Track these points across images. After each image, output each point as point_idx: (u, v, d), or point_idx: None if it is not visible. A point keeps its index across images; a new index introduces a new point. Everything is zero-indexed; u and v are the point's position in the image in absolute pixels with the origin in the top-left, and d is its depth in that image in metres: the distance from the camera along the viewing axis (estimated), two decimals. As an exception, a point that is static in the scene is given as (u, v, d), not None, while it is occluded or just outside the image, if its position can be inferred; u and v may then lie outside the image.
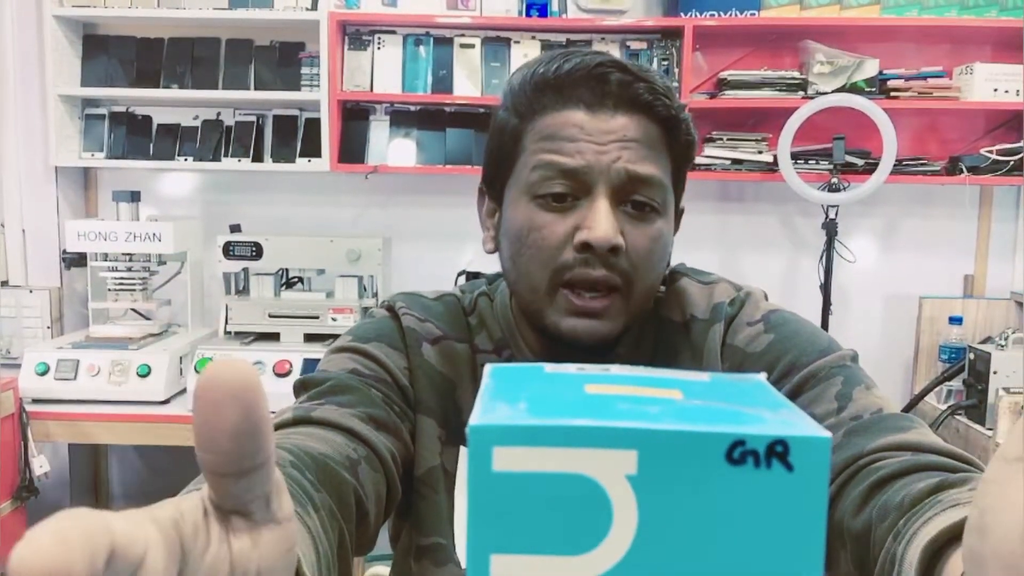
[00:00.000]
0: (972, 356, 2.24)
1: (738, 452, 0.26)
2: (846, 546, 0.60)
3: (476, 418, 0.27)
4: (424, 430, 0.78)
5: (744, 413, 0.28)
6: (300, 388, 0.75)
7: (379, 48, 2.54)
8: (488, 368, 0.33)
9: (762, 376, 0.34)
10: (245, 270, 2.44)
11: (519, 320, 0.81)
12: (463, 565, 0.76)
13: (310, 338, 2.33)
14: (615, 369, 0.33)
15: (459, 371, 0.80)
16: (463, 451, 0.77)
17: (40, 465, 2.16)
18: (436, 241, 2.68)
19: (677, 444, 0.26)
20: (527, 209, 0.72)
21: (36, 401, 2.16)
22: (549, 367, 0.33)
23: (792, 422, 0.27)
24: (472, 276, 2.32)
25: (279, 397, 2.25)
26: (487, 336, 0.82)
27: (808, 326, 0.78)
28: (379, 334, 0.79)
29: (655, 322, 0.81)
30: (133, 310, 2.45)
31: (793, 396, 0.70)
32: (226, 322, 2.36)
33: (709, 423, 0.26)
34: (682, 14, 2.44)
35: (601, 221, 0.69)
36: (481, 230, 0.82)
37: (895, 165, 2.36)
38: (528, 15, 2.43)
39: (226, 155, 2.59)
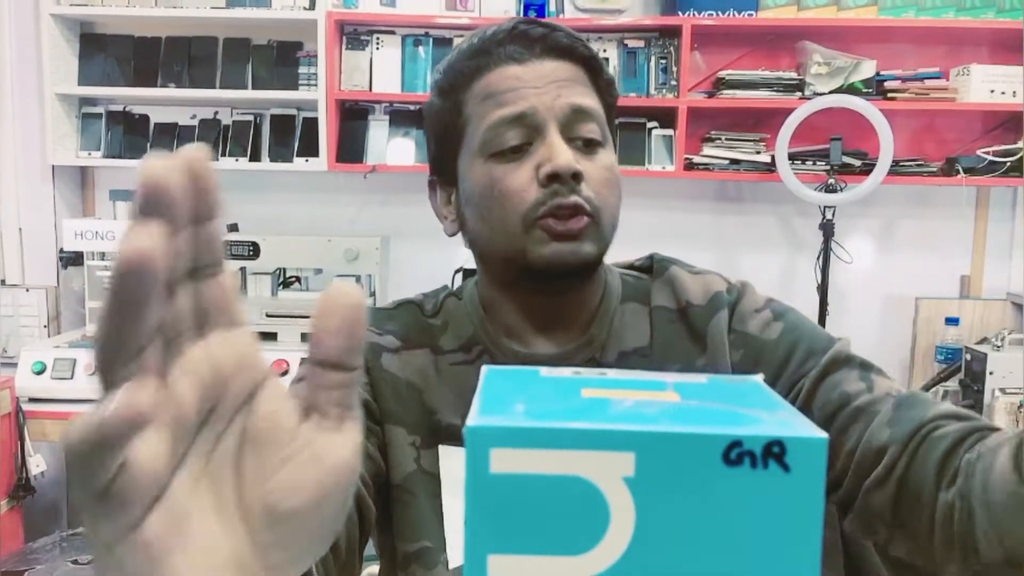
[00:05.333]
0: (968, 357, 2.24)
1: (735, 453, 0.26)
2: (924, 513, 0.63)
3: (473, 420, 0.27)
4: (395, 440, 0.79)
5: (741, 414, 0.28)
6: None
7: (377, 48, 2.54)
8: (484, 370, 0.33)
9: (759, 377, 0.34)
10: (242, 269, 2.43)
11: (492, 311, 0.82)
12: (451, 566, 0.76)
13: (307, 338, 2.32)
14: (611, 373, 0.33)
15: (424, 375, 0.80)
16: (443, 449, 0.77)
17: (36, 464, 2.16)
18: (434, 240, 2.66)
19: (674, 446, 0.26)
20: (485, 168, 0.75)
21: (33, 400, 2.16)
22: (545, 370, 0.33)
23: (789, 423, 0.27)
24: (469, 273, 2.32)
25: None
26: (453, 336, 0.82)
27: (804, 315, 0.81)
28: None
29: (646, 309, 0.82)
30: (130, 309, 2.44)
31: (822, 377, 0.73)
32: (223, 321, 2.36)
33: (706, 425, 0.27)
34: (680, 13, 2.44)
35: (561, 151, 0.72)
36: (439, 221, 0.84)
37: (892, 166, 2.36)
38: (526, 15, 2.43)
39: (223, 154, 2.58)
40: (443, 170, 0.81)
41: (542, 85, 0.74)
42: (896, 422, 0.67)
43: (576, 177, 0.72)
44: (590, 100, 0.76)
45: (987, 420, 0.67)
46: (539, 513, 0.26)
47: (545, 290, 0.78)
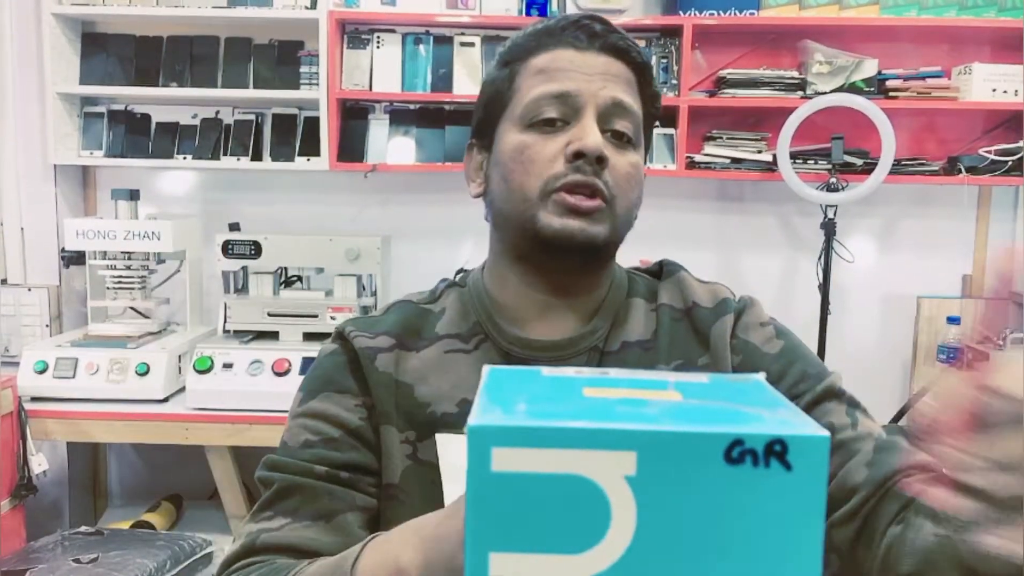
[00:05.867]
0: (970, 356, 2.24)
1: (737, 452, 0.26)
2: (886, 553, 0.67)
3: (475, 419, 0.27)
4: (387, 440, 0.80)
5: (743, 412, 0.28)
6: (260, 484, 0.79)
7: (378, 47, 2.54)
8: (486, 370, 0.33)
9: (761, 376, 0.34)
10: (244, 269, 2.43)
11: (497, 293, 0.83)
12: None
13: (309, 337, 2.32)
14: (613, 372, 0.33)
15: (416, 370, 0.81)
16: (440, 437, 0.78)
17: (39, 463, 2.16)
18: (435, 239, 2.68)
19: (676, 445, 0.26)
20: (519, 136, 0.79)
21: (35, 399, 2.16)
22: (546, 370, 0.33)
23: (791, 421, 0.27)
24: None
25: (278, 396, 2.26)
26: (450, 322, 0.84)
27: (801, 341, 0.86)
28: (327, 380, 0.82)
29: (652, 306, 0.84)
30: (132, 308, 2.45)
31: (813, 404, 0.77)
32: (225, 321, 2.36)
33: (707, 423, 0.27)
34: (681, 13, 2.44)
35: (592, 133, 0.76)
36: (467, 184, 0.87)
37: (893, 165, 2.36)
38: (528, 14, 2.43)
39: (225, 154, 2.58)
40: (483, 134, 0.84)
41: (592, 74, 0.78)
42: (874, 464, 0.71)
43: (601, 161, 0.76)
44: (632, 100, 0.79)
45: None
46: (541, 512, 0.26)
47: (552, 265, 0.80)
